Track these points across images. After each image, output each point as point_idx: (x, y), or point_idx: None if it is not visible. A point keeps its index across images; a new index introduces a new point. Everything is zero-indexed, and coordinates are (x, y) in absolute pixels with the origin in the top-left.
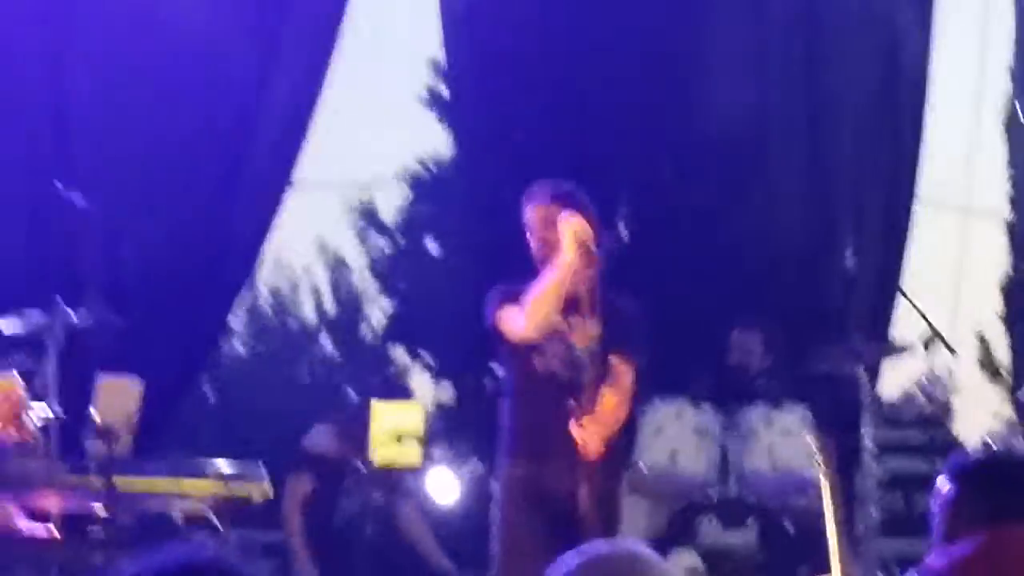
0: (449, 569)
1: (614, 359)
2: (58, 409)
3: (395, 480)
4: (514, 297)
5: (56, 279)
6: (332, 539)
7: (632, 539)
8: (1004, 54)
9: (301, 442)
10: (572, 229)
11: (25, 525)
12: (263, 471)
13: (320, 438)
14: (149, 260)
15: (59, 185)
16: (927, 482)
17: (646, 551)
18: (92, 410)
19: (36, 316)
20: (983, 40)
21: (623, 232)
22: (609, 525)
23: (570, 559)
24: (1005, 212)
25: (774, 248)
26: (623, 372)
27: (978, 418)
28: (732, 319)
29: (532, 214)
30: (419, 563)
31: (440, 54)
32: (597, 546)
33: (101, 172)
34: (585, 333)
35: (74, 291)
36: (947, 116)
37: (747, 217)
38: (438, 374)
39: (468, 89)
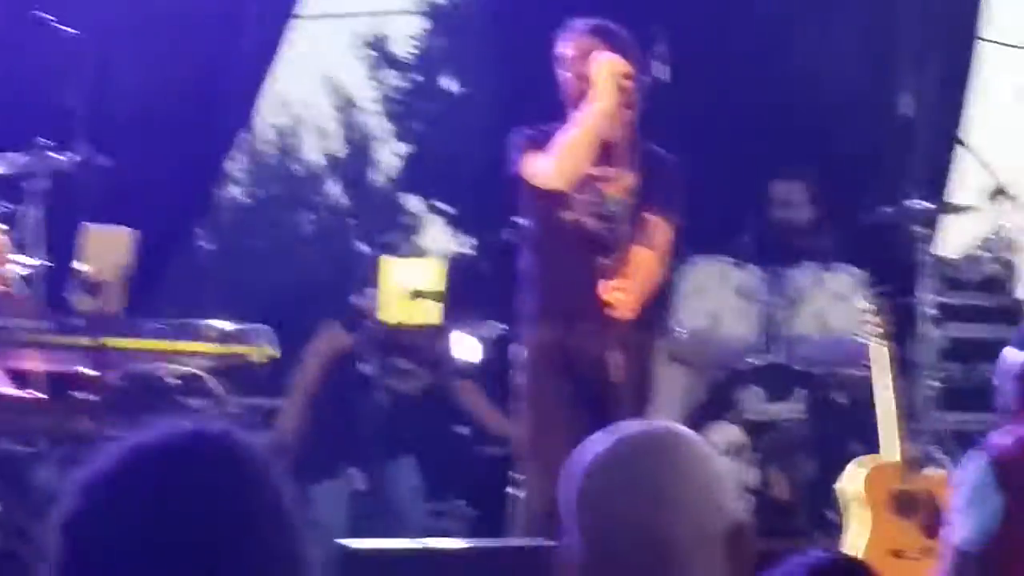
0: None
1: (650, 214)
2: (43, 260)
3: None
4: (542, 142)
5: (40, 119)
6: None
7: (668, 413)
8: None
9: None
10: (609, 67)
11: (7, 387)
12: (268, 331)
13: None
14: (141, 98)
15: (44, 15)
16: (990, 350)
17: (683, 429)
18: (79, 262)
19: (17, 158)
20: None
21: (663, 72)
22: (643, 394)
23: (599, 439)
24: None
25: (823, 92)
26: (660, 228)
27: None
28: (777, 170)
29: (565, 49)
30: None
31: None
32: (628, 425)
33: (93, 5)
34: (619, 184)
35: (60, 133)
36: None
37: (794, 57)
38: (456, 226)
39: None
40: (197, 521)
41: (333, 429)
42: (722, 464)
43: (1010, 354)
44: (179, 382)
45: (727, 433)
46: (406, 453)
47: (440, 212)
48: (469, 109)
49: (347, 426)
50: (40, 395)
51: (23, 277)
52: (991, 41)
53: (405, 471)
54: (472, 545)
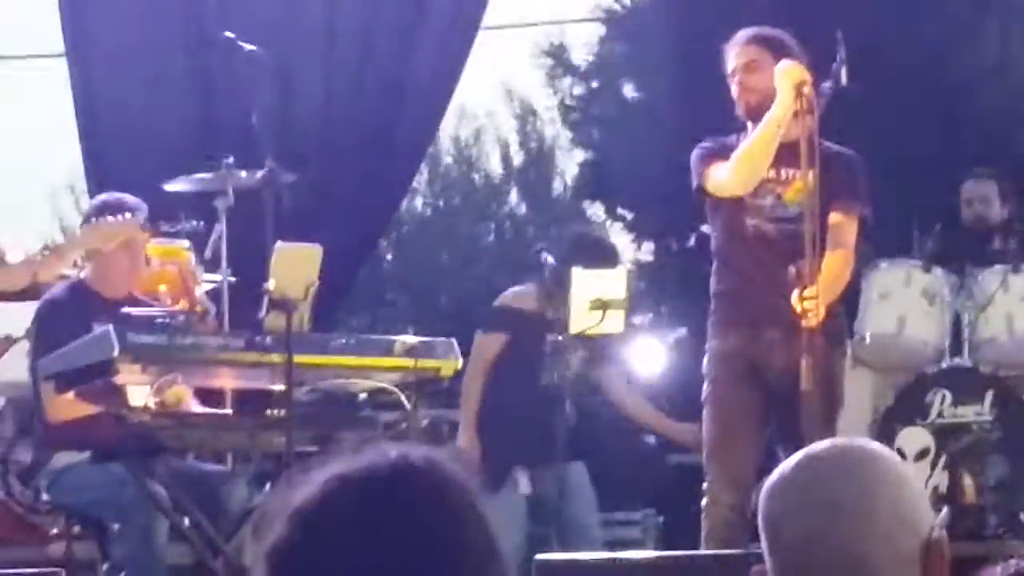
0: (674, 431)
1: (835, 215)
2: (230, 278)
3: (596, 347)
4: (722, 153)
5: (227, 138)
6: (511, 413)
7: (856, 419)
8: None
9: (497, 300)
10: (789, 75)
11: (197, 405)
12: (454, 345)
13: (520, 297)
14: (327, 114)
15: (231, 35)
16: None
17: (876, 445)
18: (270, 280)
19: (205, 177)
20: None
21: (843, 76)
22: (831, 401)
23: (789, 462)
24: None
25: (1011, 89)
26: (846, 229)
27: None
28: (965, 170)
29: (735, 58)
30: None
31: None
32: (819, 444)
33: (275, 19)
34: (798, 187)
35: (247, 152)
36: None
37: (979, 55)
38: (638, 233)
39: None
40: (404, 554)
41: (509, 438)
42: (917, 481)
43: None
44: (368, 397)
45: (916, 439)
46: (586, 460)
47: (621, 218)
48: (647, 114)
49: (523, 435)
50: (229, 412)
51: (210, 294)
52: None
53: (581, 479)
54: (662, 555)
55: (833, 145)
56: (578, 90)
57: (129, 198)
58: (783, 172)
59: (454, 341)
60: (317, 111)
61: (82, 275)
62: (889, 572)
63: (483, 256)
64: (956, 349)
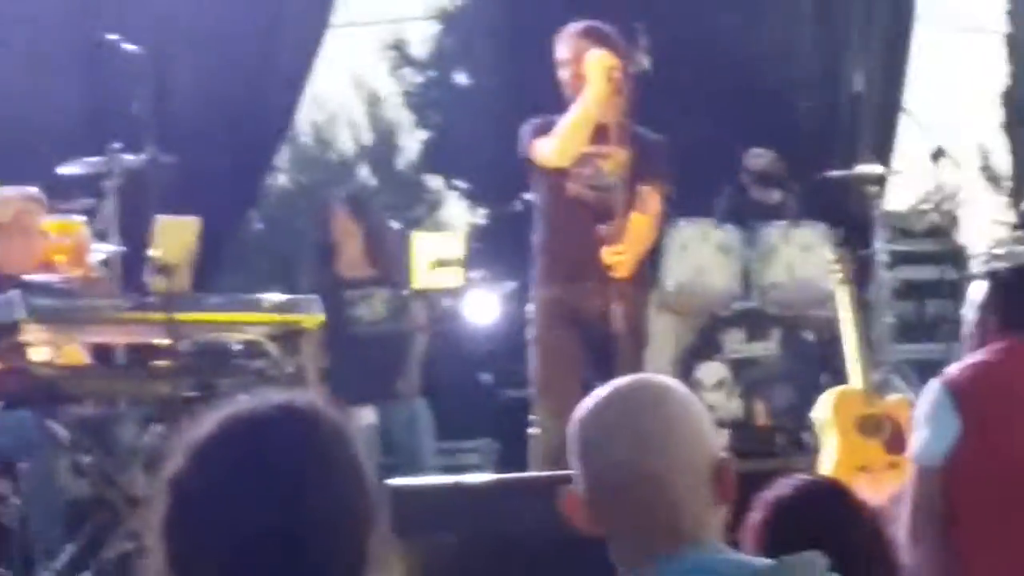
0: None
1: (643, 188)
2: (119, 248)
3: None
4: (546, 129)
5: (113, 126)
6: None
7: (661, 357)
8: None
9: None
10: (600, 62)
11: (89, 359)
12: (317, 300)
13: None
14: (199, 104)
15: (114, 37)
16: (937, 289)
17: (670, 381)
18: (153, 249)
19: (95, 161)
20: None
21: (646, 62)
22: (639, 341)
23: (597, 394)
24: (1004, 26)
25: (787, 72)
26: (651, 197)
27: (981, 226)
28: (748, 142)
29: (563, 49)
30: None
31: None
32: (621, 380)
33: (152, 21)
34: (614, 160)
35: (130, 138)
36: None
37: (761, 43)
38: (473, 200)
39: None
40: (288, 480)
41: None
42: (703, 409)
43: (974, 287)
44: (241, 348)
45: (713, 371)
46: (430, 396)
47: (457, 188)
48: (478, 98)
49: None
50: (120, 364)
51: (102, 262)
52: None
53: (424, 413)
54: (499, 477)
55: (644, 130)
56: (418, 79)
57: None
58: (601, 148)
59: (317, 298)
60: (191, 103)
61: None
62: (685, 489)
63: None
64: (746, 294)
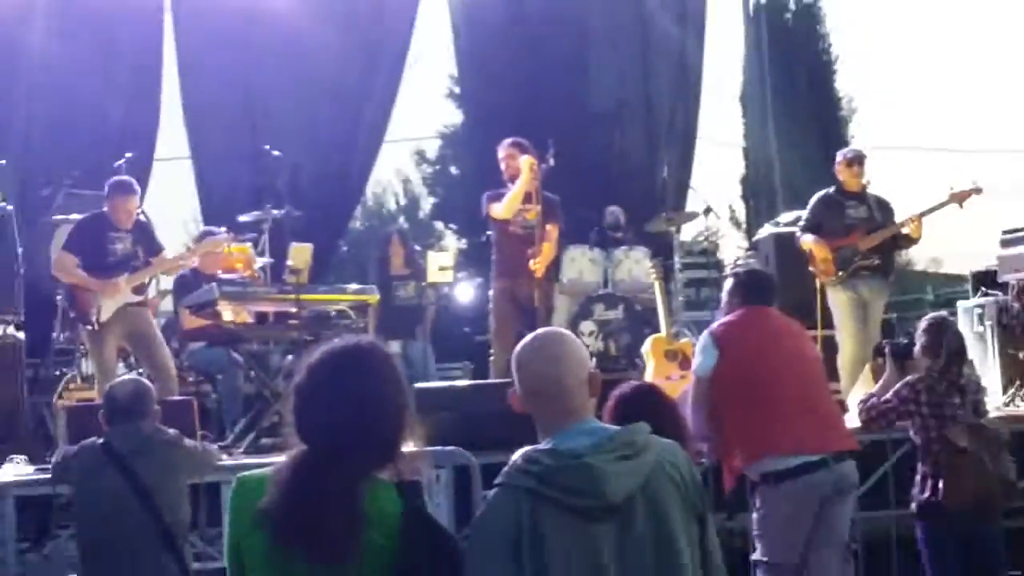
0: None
1: (548, 225)
2: (270, 260)
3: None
4: (498, 197)
5: (267, 194)
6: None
7: (559, 321)
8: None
9: None
10: (527, 161)
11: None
12: (375, 288)
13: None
14: (314, 181)
15: (267, 147)
16: (705, 282)
17: (565, 331)
18: (288, 260)
19: (257, 213)
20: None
21: (551, 161)
22: (548, 310)
23: (526, 338)
24: (741, 142)
25: (630, 164)
26: (553, 232)
27: (732, 251)
28: (607, 202)
29: (503, 154)
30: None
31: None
32: (539, 330)
33: (287, 135)
34: (533, 212)
35: (276, 200)
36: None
37: (613, 148)
38: (459, 235)
39: (469, 92)
40: (361, 385)
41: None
42: (582, 345)
43: (726, 282)
44: (335, 313)
45: (588, 326)
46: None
47: (451, 229)
48: (462, 181)
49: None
50: (270, 322)
51: (261, 268)
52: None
53: (428, 349)
54: (476, 382)
55: (551, 195)
56: (429, 170)
57: (216, 228)
58: (527, 206)
59: (375, 286)
60: (308, 181)
61: (194, 264)
62: (573, 388)
63: None
64: (605, 286)
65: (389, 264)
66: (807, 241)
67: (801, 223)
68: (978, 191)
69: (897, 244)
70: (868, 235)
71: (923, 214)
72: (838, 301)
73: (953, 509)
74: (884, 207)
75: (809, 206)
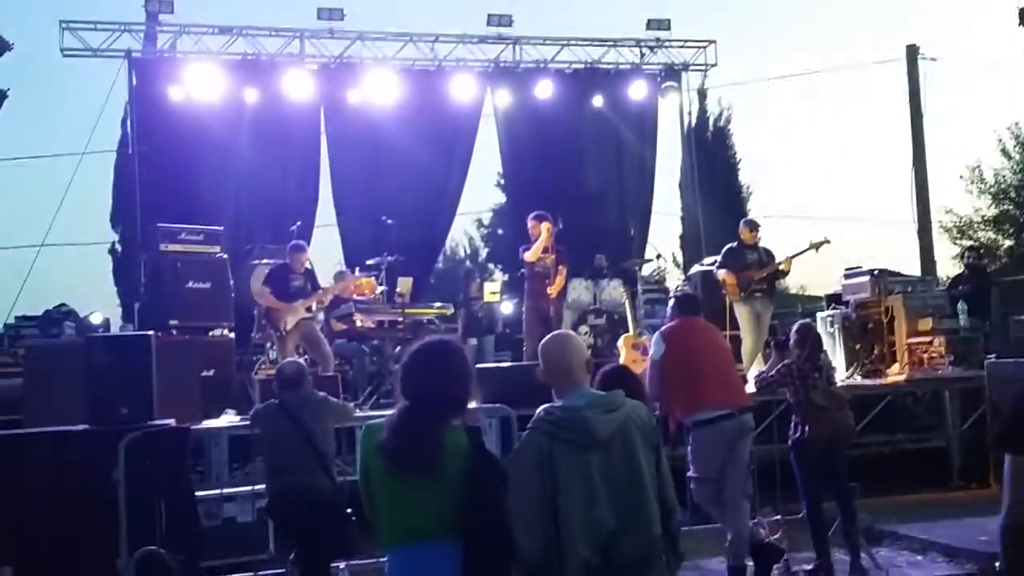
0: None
1: (559, 266)
2: (385, 287)
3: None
4: (527, 248)
5: (382, 246)
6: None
7: (567, 326)
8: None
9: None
10: (545, 226)
11: (374, 324)
12: (451, 305)
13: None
14: (412, 237)
15: (384, 218)
16: (659, 302)
17: (572, 333)
18: (397, 288)
19: (378, 259)
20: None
21: (560, 225)
22: (559, 320)
23: (547, 337)
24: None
25: (609, 230)
26: (562, 271)
27: (674, 281)
28: (597, 252)
29: (530, 223)
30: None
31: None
32: (554, 332)
33: (392, 199)
34: (550, 258)
35: (388, 250)
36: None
37: (600, 219)
38: (505, 271)
39: (510, 182)
40: (442, 372)
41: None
42: (581, 340)
43: (672, 301)
44: (426, 320)
45: (584, 329)
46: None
47: (499, 267)
48: (505, 239)
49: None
50: (384, 327)
51: (380, 292)
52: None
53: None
54: (512, 364)
55: (561, 246)
56: (484, 231)
57: (346, 269)
58: (546, 255)
59: (451, 303)
60: (408, 235)
61: (337, 292)
62: (577, 367)
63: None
64: (596, 303)
65: (468, 289)
66: (721, 274)
67: (717, 263)
68: (828, 242)
69: (777, 276)
70: (759, 270)
71: (792, 257)
72: (741, 312)
73: (814, 445)
74: (768, 253)
75: (722, 253)
